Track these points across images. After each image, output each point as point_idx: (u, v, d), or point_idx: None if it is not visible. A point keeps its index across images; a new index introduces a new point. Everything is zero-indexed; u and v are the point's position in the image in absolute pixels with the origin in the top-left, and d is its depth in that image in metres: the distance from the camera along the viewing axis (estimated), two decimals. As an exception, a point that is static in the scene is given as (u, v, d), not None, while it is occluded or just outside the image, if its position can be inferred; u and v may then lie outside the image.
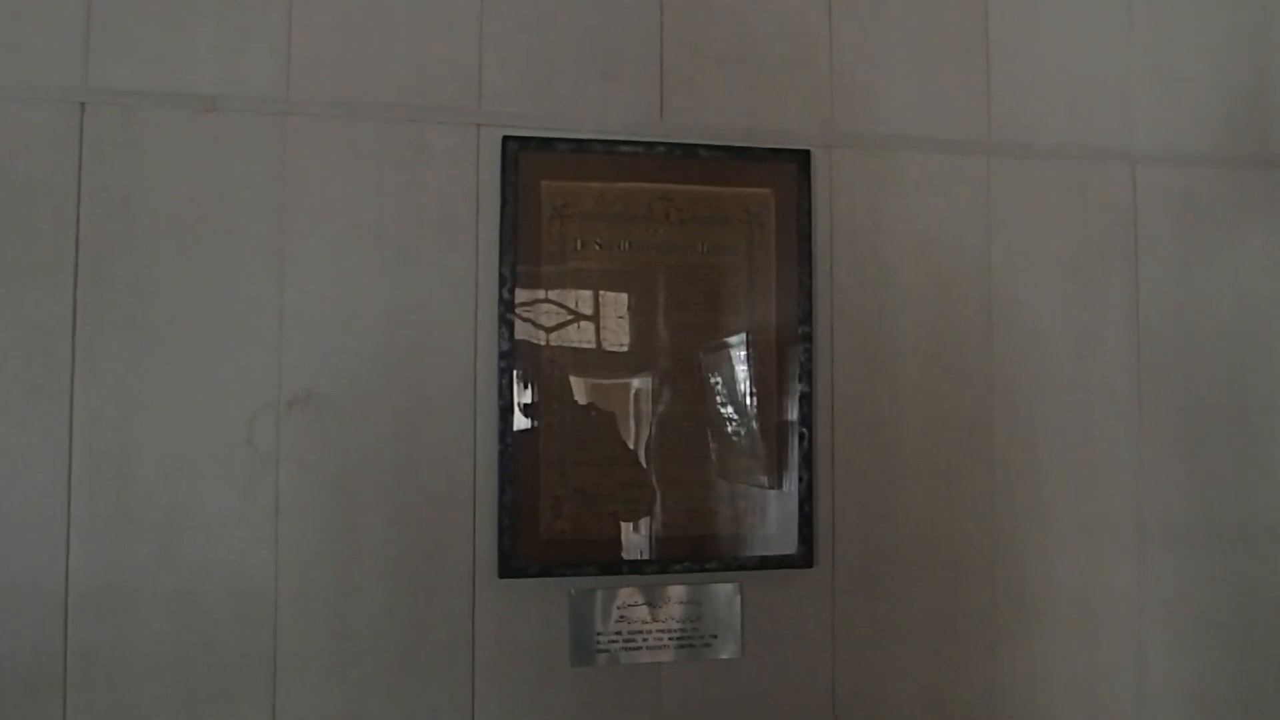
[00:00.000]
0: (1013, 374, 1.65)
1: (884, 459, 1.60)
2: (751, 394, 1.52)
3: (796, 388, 1.54)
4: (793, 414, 1.54)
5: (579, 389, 1.48)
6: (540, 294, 1.48)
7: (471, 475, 1.47)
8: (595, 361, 1.48)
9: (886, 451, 1.60)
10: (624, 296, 1.50)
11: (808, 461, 1.54)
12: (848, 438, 1.59)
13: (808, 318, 1.54)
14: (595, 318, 1.49)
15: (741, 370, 1.51)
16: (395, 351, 1.45)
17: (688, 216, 1.52)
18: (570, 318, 1.48)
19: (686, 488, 1.50)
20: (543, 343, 1.47)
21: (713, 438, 1.51)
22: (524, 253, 1.48)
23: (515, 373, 1.47)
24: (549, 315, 1.48)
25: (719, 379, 1.50)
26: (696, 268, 1.52)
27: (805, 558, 1.54)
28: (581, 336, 1.48)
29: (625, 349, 1.48)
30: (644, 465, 1.49)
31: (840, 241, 1.60)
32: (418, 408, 1.45)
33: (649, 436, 1.49)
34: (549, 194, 1.49)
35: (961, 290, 1.64)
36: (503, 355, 1.46)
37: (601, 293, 1.50)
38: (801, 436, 1.54)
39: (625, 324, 1.49)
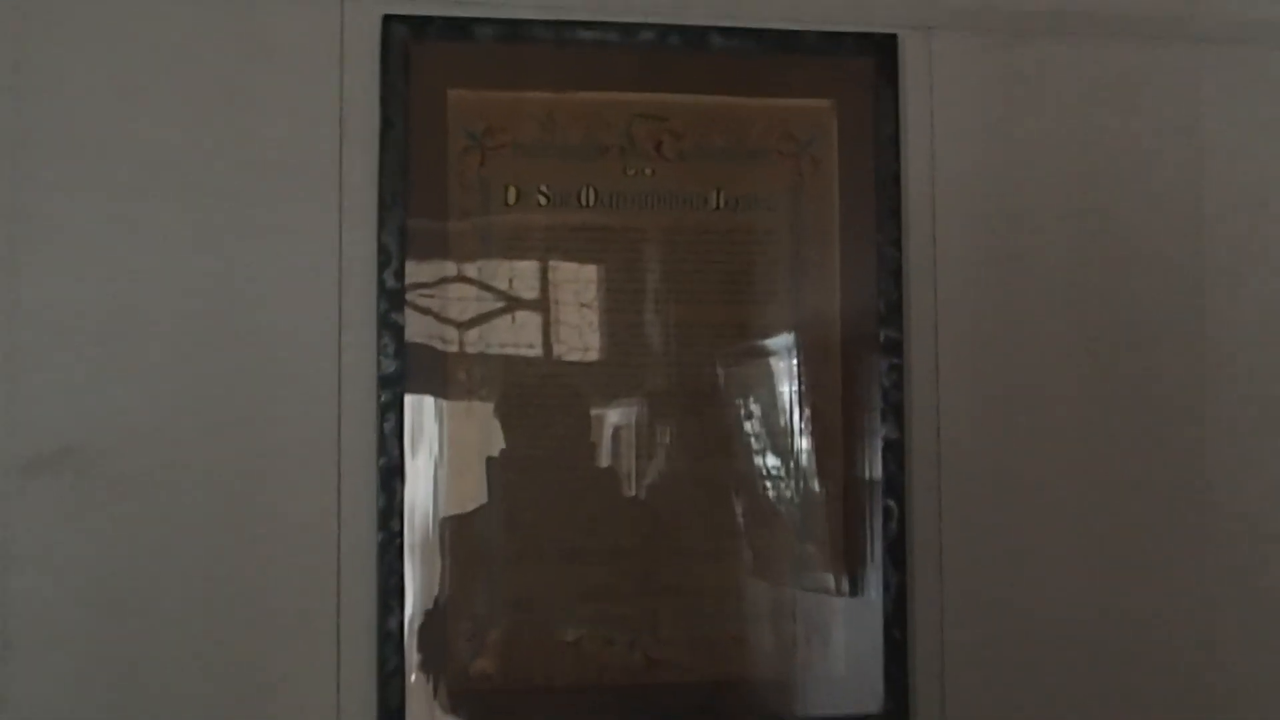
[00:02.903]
0: (1240, 391, 1.31)
1: (1025, 545, 1.27)
2: (801, 433, 1.22)
3: (877, 428, 1.23)
4: (872, 470, 1.23)
5: (516, 427, 1.19)
6: (448, 268, 1.17)
7: (334, 582, 1.15)
8: (543, 378, 1.20)
9: (1029, 532, 1.27)
10: (591, 273, 1.21)
11: (897, 552, 1.22)
12: (964, 511, 1.26)
13: (895, 313, 1.25)
14: (542, 306, 1.20)
15: (786, 396, 1.23)
16: (206, 379, 1.15)
17: (693, 148, 1.23)
18: (499, 305, 1.18)
19: (698, 598, 1.21)
20: (453, 347, 1.17)
21: (742, 510, 1.22)
22: (420, 204, 1.17)
23: (406, 406, 1.15)
24: (462, 303, 1.18)
25: (751, 411, 1.24)
26: (710, 231, 1.24)
27: (896, 717, 1.22)
28: (519, 337, 1.19)
29: (594, 357, 1.21)
30: (626, 560, 1.20)
31: (948, 185, 1.28)
32: (244, 470, 1.16)
33: (636, 508, 1.21)
34: (461, 111, 1.19)
35: (1155, 255, 1.30)
36: (386, 380, 1.15)
37: (552, 266, 1.20)
38: (887, 511, 1.22)
39: (593, 317, 1.21)
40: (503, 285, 1.18)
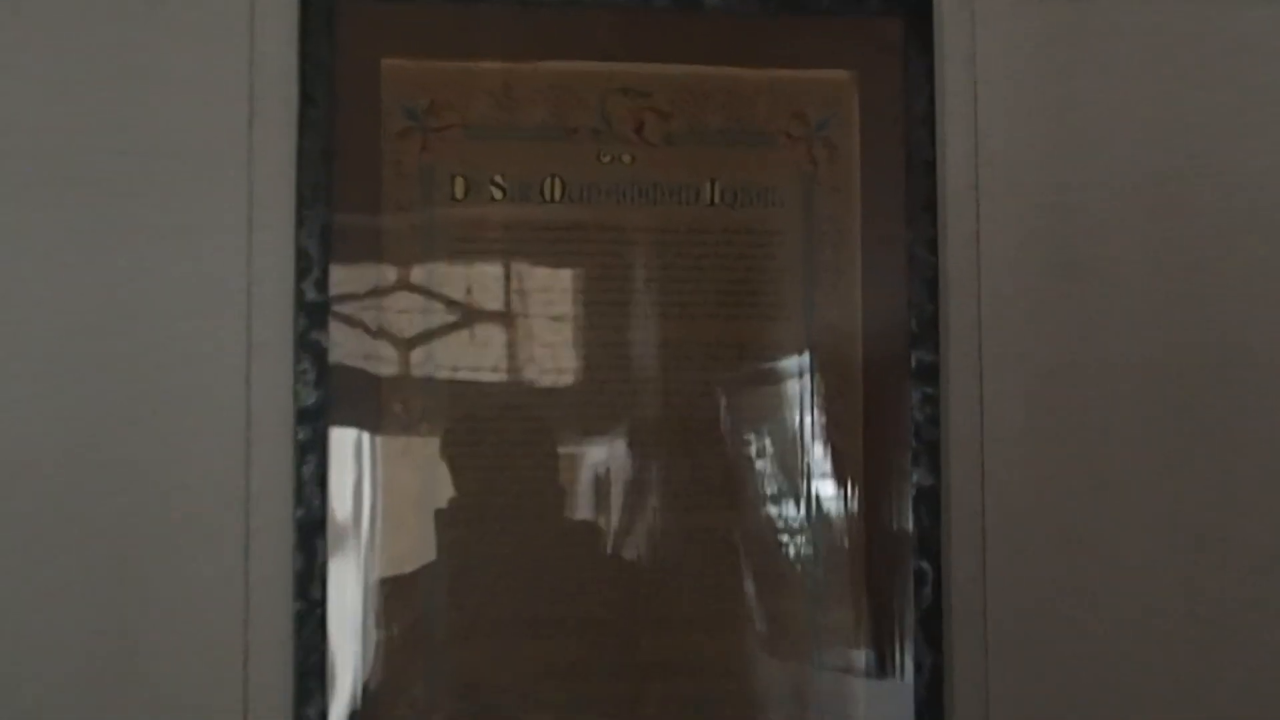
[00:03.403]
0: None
1: (1088, 620, 1.13)
2: (815, 477, 1.14)
3: (908, 472, 1.13)
4: (901, 524, 1.13)
5: (468, 469, 1.09)
6: (384, 274, 1.08)
7: (240, 662, 1.03)
8: (502, 409, 1.10)
9: (1093, 603, 1.13)
10: (564, 279, 1.13)
11: (932, 625, 1.11)
12: (1012, 575, 1.13)
13: (929, 330, 1.14)
14: (505, 319, 1.11)
15: (796, 432, 1.15)
16: (83, 413, 1.04)
17: (683, 129, 1.14)
18: (451, 320, 1.09)
19: (692, 677, 1.10)
20: (393, 369, 1.07)
21: (745, 571, 1.13)
22: (347, 198, 1.07)
23: (331, 445, 1.05)
24: (405, 317, 1.08)
25: (755, 450, 1.14)
26: (704, 230, 1.14)
27: (931, 824, 1.08)
28: (477, 357, 1.09)
29: (567, 381, 1.12)
30: (603, 632, 1.10)
31: (994, 173, 1.15)
32: (129, 525, 1.03)
33: (615, 569, 1.12)
34: (399, 84, 1.10)
35: (1250, 262, 1.17)
36: (305, 414, 1.04)
37: (516, 268, 1.11)
38: (920, 574, 1.11)
39: (566, 333, 1.12)
40: (456, 293, 1.08)
